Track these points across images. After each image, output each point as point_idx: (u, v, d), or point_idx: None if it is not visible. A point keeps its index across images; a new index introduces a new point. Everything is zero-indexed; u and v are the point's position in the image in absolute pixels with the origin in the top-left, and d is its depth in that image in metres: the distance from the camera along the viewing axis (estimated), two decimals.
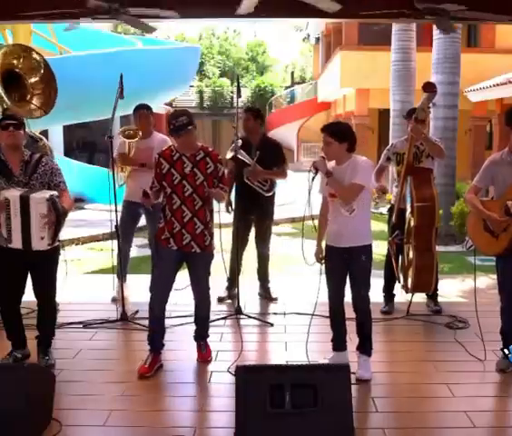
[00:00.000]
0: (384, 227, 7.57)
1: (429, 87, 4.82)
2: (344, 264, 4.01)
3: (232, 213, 5.55)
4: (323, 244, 4.10)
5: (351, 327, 4.34)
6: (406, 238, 5.00)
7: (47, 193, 3.83)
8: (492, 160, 4.11)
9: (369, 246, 4.00)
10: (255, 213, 5.50)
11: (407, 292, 5.12)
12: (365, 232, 3.99)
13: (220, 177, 4.09)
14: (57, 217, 3.84)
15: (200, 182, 4.02)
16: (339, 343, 4.17)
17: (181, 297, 4.67)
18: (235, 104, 5.38)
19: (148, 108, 5.50)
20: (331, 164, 4.02)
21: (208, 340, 4.42)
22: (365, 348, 4.06)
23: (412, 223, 4.86)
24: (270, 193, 5.43)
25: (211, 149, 4.15)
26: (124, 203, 5.58)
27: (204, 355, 4.34)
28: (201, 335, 4.38)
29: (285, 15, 5.12)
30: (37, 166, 3.95)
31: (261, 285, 5.76)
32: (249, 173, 5.28)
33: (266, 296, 5.70)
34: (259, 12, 4.42)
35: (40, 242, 3.81)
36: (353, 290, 4.02)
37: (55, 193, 3.89)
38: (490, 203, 4.14)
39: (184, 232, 4.05)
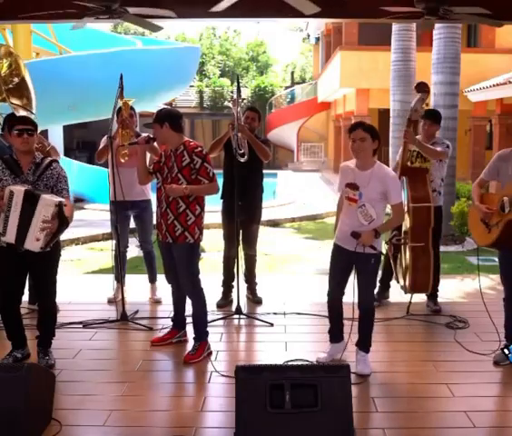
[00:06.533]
0: None
1: (422, 88, 4.82)
2: (350, 264, 4.05)
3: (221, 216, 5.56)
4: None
5: (353, 328, 4.35)
6: (403, 239, 5.00)
7: (57, 198, 3.79)
8: (501, 154, 4.18)
9: (380, 252, 4.00)
10: (243, 216, 5.29)
11: (405, 293, 5.12)
12: (379, 239, 3.97)
13: (197, 169, 4.11)
14: (59, 226, 3.81)
15: (175, 174, 4.16)
16: (336, 335, 4.27)
17: None
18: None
19: (131, 108, 5.31)
20: (351, 165, 4.03)
21: (208, 342, 4.34)
22: (364, 345, 4.12)
23: (408, 224, 4.87)
24: (243, 159, 5.13)
25: (192, 143, 4.20)
26: (111, 204, 5.36)
27: (187, 355, 4.24)
28: (194, 334, 4.35)
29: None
30: (46, 170, 3.95)
31: (248, 287, 5.67)
32: (238, 126, 5.07)
33: (251, 298, 5.61)
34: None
35: (33, 243, 3.76)
36: (361, 289, 4.03)
37: (64, 200, 3.85)
38: (490, 195, 4.25)
39: (162, 222, 4.23)
